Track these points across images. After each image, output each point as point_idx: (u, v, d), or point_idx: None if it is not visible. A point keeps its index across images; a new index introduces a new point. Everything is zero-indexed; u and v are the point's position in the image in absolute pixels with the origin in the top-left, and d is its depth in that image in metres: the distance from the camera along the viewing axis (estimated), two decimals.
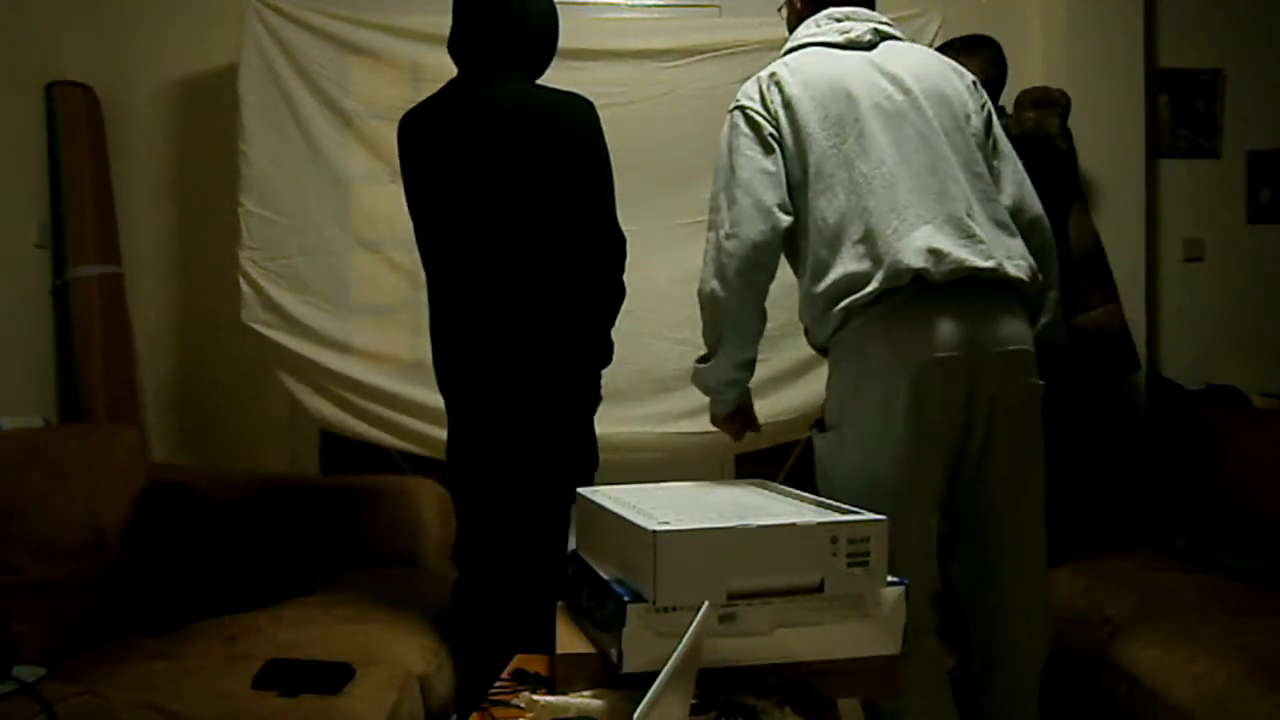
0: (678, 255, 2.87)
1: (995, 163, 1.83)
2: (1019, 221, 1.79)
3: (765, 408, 2.80)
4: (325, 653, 1.83)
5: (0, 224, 2.64)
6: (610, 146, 2.28)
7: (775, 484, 1.63)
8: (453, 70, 2.30)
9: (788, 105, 1.75)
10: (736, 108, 1.81)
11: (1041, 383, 1.74)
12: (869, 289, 1.64)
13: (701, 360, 1.89)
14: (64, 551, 2.00)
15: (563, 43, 2.24)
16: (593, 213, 2.00)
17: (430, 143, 2.08)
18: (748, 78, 2.95)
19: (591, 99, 2.06)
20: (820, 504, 1.42)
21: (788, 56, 1.85)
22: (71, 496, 2.08)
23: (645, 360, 2.83)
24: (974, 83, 1.87)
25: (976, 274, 1.63)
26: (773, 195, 1.73)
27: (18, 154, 2.73)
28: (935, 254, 1.62)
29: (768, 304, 2.80)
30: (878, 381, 1.65)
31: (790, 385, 2.78)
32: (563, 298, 2.00)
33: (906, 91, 1.75)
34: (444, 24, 2.86)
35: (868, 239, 1.66)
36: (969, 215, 1.67)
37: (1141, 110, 3.12)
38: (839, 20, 1.84)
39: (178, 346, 3.06)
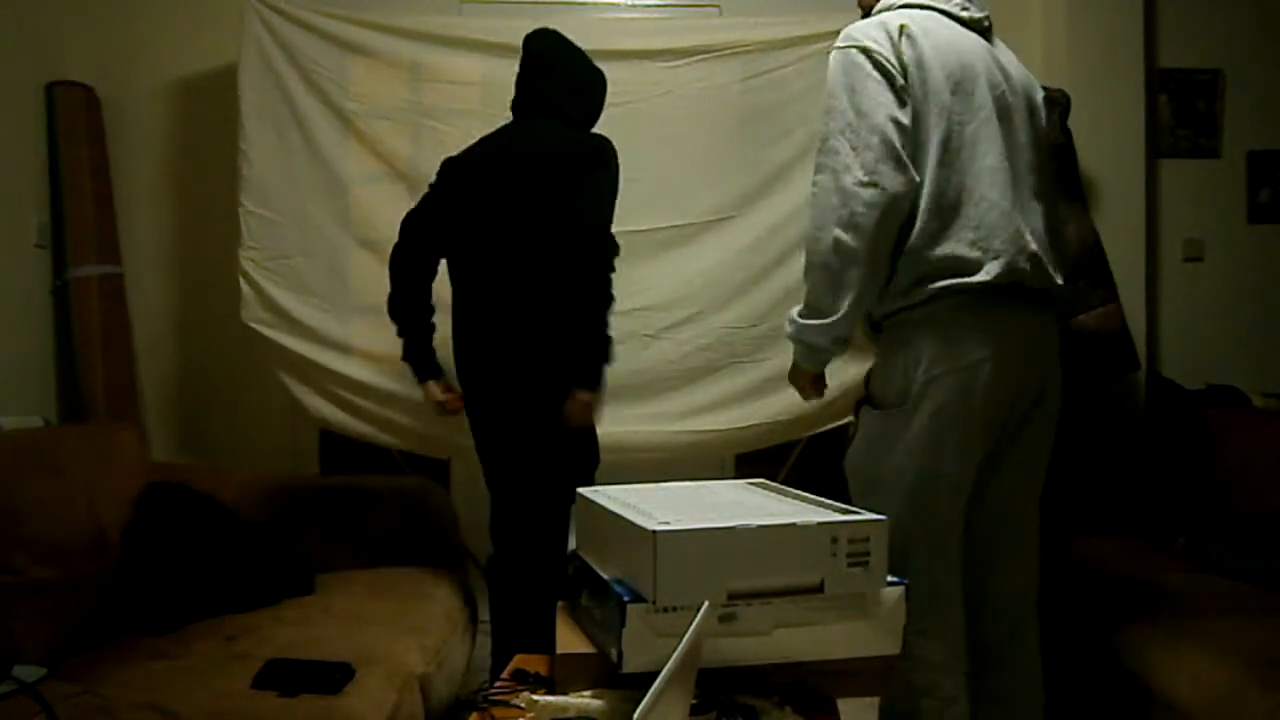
0: (679, 257, 2.88)
1: (1049, 170, 1.86)
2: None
3: (765, 408, 2.81)
4: (325, 653, 1.83)
5: (0, 224, 2.64)
6: None
7: (775, 484, 1.63)
8: (451, 71, 2.69)
9: (920, 64, 1.68)
10: (857, 48, 1.68)
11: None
12: (977, 278, 1.65)
13: (806, 316, 1.73)
14: (64, 551, 2.00)
15: None
16: (579, 233, 2.18)
17: (464, 175, 2.36)
18: (748, 78, 2.97)
19: None
20: (820, 504, 1.42)
21: (907, 11, 1.75)
22: (71, 496, 2.08)
23: (646, 360, 2.84)
24: (1045, 97, 1.89)
25: (1049, 286, 1.73)
26: (908, 147, 1.65)
27: (18, 154, 2.73)
28: (1035, 262, 1.70)
29: (766, 306, 2.83)
30: (961, 364, 1.67)
31: (790, 386, 2.77)
32: (552, 305, 2.20)
33: (1015, 93, 1.76)
34: (444, 24, 2.90)
35: (984, 229, 1.67)
36: (1046, 231, 1.76)
37: (1141, 110, 3.11)
38: None
39: (178, 346, 3.06)
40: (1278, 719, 1.59)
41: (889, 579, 1.30)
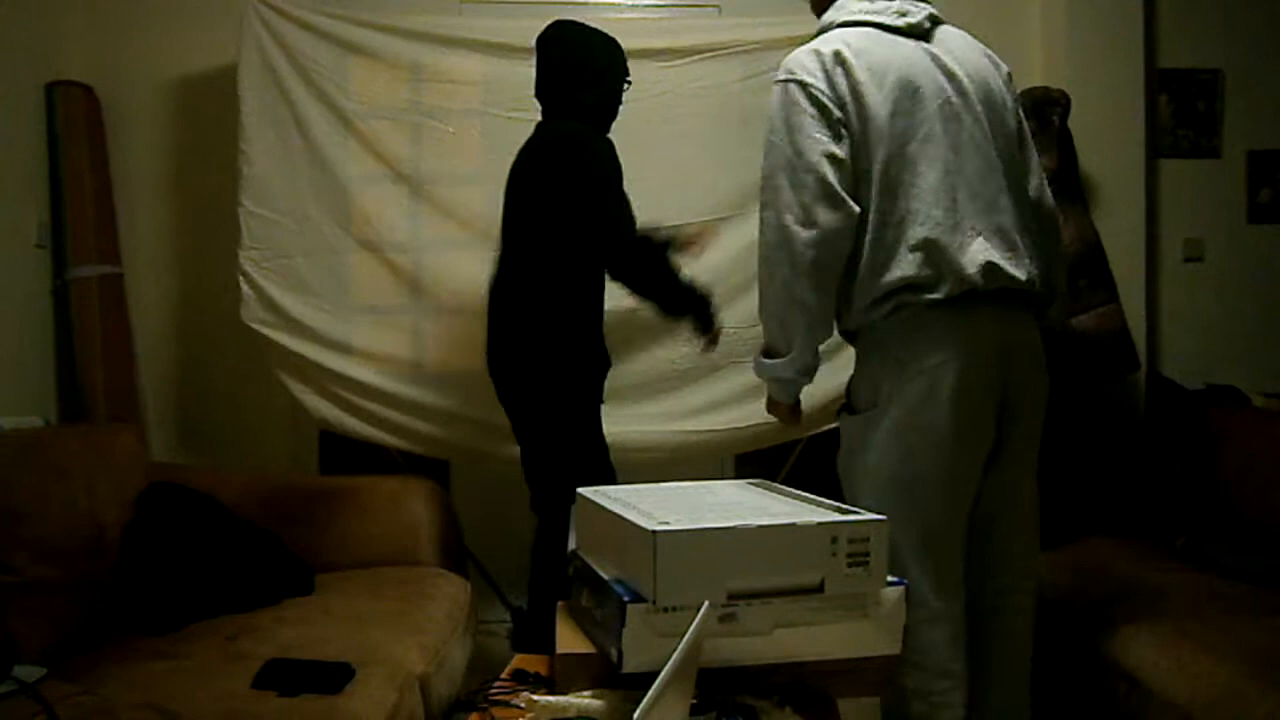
0: (679, 257, 2.87)
1: (1023, 154, 1.83)
2: (1038, 212, 1.83)
3: (764, 407, 2.81)
4: (325, 653, 1.83)
5: (0, 224, 2.64)
6: None
7: (775, 484, 1.63)
8: (451, 71, 2.73)
9: (855, 91, 1.68)
10: (794, 82, 1.70)
11: (1048, 377, 1.82)
12: (931, 295, 1.66)
13: (768, 354, 1.81)
14: (64, 551, 2.00)
15: None
16: (577, 217, 2.24)
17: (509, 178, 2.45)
18: (748, 77, 2.97)
19: None
20: (820, 504, 1.42)
21: (841, 32, 1.76)
22: (71, 496, 2.08)
23: (647, 361, 2.84)
24: (1009, 74, 1.87)
25: (1015, 285, 1.71)
26: (845, 183, 1.67)
27: (18, 154, 2.73)
28: (990, 269, 1.67)
29: None
30: (925, 366, 1.67)
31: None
32: (543, 290, 2.30)
33: (963, 93, 1.73)
34: (444, 24, 2.90)
35: (930, 248, 1.66)
36: (1014, 227, 1.73)
37: (1141, 110, 3.12)
38: None
39: (178, 346, 3.07)
40: (1278, 719, 1.59)
41: (889, 579, 1.30)
